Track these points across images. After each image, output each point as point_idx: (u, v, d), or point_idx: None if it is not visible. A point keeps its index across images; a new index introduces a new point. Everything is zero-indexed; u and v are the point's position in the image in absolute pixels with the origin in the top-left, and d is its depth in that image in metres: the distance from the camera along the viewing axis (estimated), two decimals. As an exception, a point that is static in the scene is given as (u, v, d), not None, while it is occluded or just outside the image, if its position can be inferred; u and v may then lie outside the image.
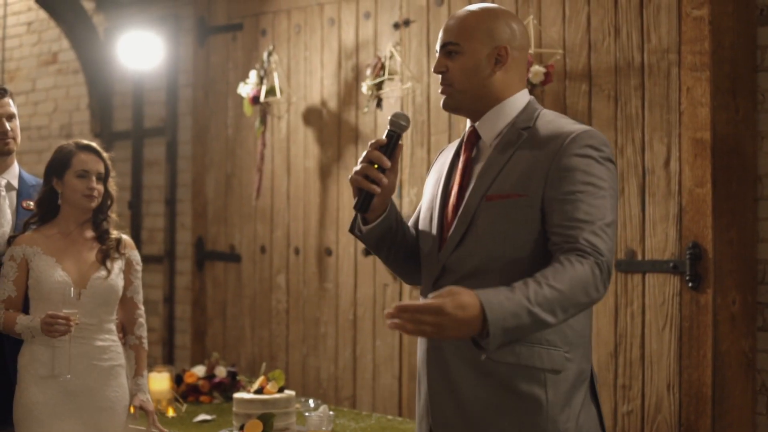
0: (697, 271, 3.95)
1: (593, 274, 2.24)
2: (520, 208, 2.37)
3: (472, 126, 2.55)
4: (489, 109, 2.49)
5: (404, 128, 2.48)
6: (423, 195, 2.70)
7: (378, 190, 2.45)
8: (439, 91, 2.52)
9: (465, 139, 2.56)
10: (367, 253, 5.05)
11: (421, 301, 2.16)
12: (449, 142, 4.03)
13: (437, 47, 2.53)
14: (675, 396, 4.03)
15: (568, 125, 2.42)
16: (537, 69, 4.25)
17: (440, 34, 2.52)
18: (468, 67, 2.45)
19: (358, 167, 2.47)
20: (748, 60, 4.03)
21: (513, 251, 2.37)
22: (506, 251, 2.38)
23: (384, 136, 2.49)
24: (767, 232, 3.99)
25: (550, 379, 2.37)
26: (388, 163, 2.45)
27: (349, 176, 2.49)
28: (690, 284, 3.96)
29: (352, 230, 2.61)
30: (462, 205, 2.46)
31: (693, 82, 3.98)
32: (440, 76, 2.51)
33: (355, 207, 2.49)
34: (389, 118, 2.49)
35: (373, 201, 2.48)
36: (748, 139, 4.01)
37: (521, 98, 2.50)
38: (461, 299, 2.10)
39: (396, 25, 5.00)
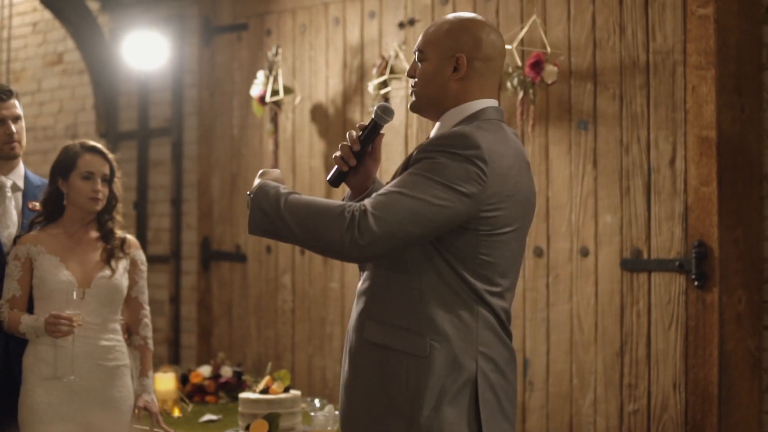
0: (703, 270, 3.94)
1: (342, 215, 2.36)
2: None
3: None
4: (445, 113, 2.58)
5: (386, 120, 2.60)
6: None
7: (345, 168, 2.60)
8: (409, 93, 2.65)
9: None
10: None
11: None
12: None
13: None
14: (681, 395, 4.02)
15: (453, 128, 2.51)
16: (551, 69, 4.24)
17: None
18: (428, 72, 2.57)
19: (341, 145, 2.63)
20: (753, 58, 4.02)
21: None
22: None
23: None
24: (773, 230, 3.99)
25: (414, 364, 2.44)
26: (357, 146, 2.59)
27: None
28: (696, 283, 3.96)
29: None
30: None
31: (698, 80, 3.97)
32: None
33: (327, 179, 2.66)
34: (376, 107, 2.61)
35: (347, 180, 2.65)
36: (754, 138, 4.01)
37: (475, 106, 2.55)
38: (268, 171, 2.57)
39: (401, 25, 5.00)
